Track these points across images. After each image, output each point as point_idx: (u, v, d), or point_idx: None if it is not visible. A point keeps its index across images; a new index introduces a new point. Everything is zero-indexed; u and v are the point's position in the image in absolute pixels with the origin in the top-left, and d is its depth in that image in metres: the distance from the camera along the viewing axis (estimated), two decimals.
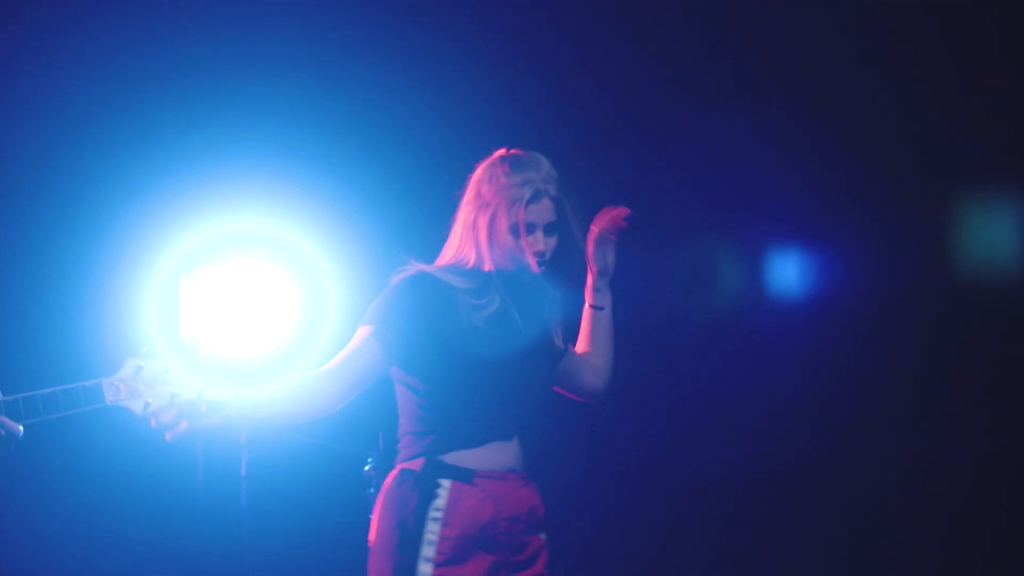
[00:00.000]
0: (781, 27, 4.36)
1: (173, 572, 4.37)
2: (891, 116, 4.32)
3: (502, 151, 3.00)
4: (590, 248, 3.15)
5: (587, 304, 3.22)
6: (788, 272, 4.53)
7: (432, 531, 2.83)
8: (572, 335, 3.20)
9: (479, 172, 2.99)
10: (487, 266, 2.95)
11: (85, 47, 4.16)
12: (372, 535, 2.94)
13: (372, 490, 3.97)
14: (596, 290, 3.19)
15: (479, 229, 2.94)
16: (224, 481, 4.27)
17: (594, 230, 3.17)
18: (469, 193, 2.99)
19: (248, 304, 3.90)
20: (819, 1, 4.30)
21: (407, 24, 4.41)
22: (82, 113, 4.15)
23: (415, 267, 2.96)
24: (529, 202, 2.91)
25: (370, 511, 3.89)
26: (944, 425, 4.30)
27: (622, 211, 3.18)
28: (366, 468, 3.99)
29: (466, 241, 2.97)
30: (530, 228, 2.92)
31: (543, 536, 3.01)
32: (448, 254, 3.00)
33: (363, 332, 2.89)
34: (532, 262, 2.92)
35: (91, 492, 4.22)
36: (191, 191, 4.13)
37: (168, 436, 2.66)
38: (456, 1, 4.44)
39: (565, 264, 3.01)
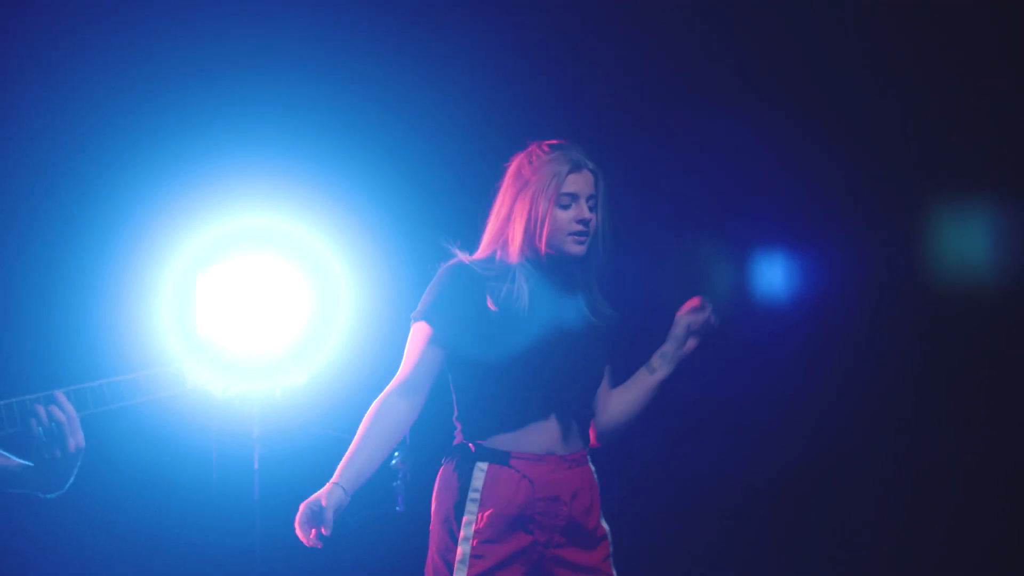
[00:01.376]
0: (778, 28, 4.36)
1: (186, 566, 4.39)
2: (888, 118, 4.32)
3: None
4: (680, 324, 3.21)
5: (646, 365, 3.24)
6: (782, 274, 4.54)
7: (471, 511, 2.95)
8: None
9: (517, 160, 3.09)
10: (519, 254, 3.02)
11: (98, 44, 4.17)
12: (431, 517, 3.06)
13: (398, 482, 4.00)
14: (661, 355, 3.22)
15: (518, 213, 3.03)
16: (237, 475, 4.29)
17: (689, 311, 3.21)
18: (507, 181, 3.08)
19: (262, 300, 3.93)
20: (816, 2, 4.31)
21: (417, 24, 4.43)
22: (99, 110, 4.16)
23: (456, 257, 3.06)
24: (570, 172, 3.01)
25: (396, 503, 3.94)
26: (939, 426, 4.30)
27: (707, 319, 3.21)
28: (392, 462, 4.02)
29: (503, 229, 3.06)
30: (573, 198, 3.01)
31: (604, 525, 3.07)
32: (485, 244, 3.09)
33: (419, 329, 3.04)
34: (572, 241, 3.00)
35: (104, 486, 4.23)
36: (208, 189, 4.15)
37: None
38: (462, 2, 4.46)
39: (595, 248, 3.07)
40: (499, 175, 3.17)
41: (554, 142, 3.08)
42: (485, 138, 4.25)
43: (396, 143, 4.46)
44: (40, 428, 2.54)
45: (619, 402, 3.21)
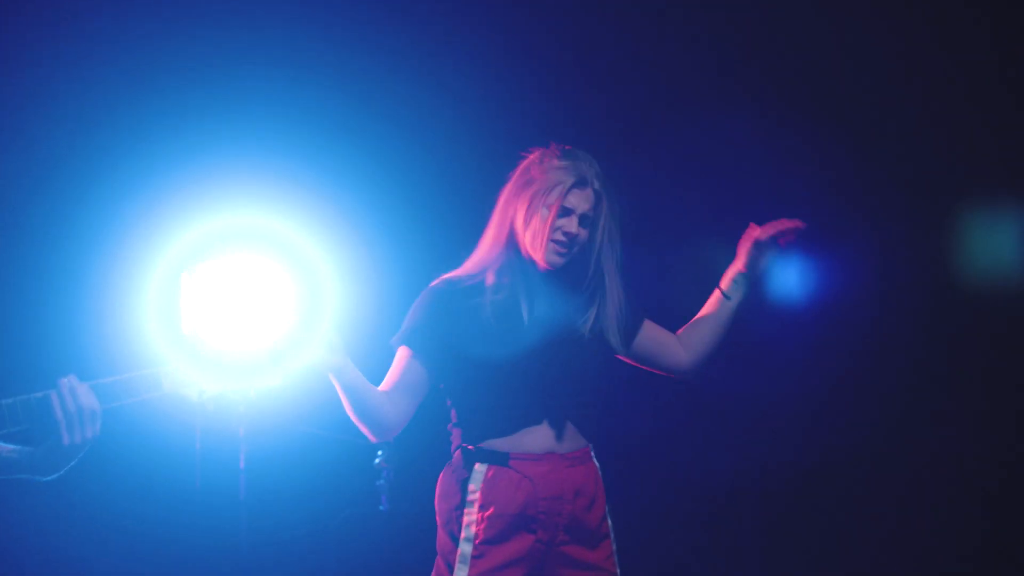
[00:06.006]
0: (794, 28, 4.36)
1: (172, 566, 4.39)
2: (901, 118, 4.32)
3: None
4: (747, 243, 3.23)
5: (719, 289, 3.27)
6: (794, 275, 4.54)
7: (471, 512, 2.96)
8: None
9: (530, 157, 3.09)
10: (506, 257, 3.03)
11: (84, 43, 4.17)
12: (437, 522, 3.07)
13: (382, 481, 4.00)
14: (733, 281, 3.26)
15: (517, 209, 3.03)
16: (223, 475, 4.29)
17: (759, 231, 3.22)
18: (516, 175, 3.08)
19: (248, 299, 3.92)
20: (819, 4, 4.31)
21: (407, 24, 4.43)
22: (84, 109, 4.16)
23: (440, 277, 3.08)
24: (573, 186, 3.01)
25: (379, 503, 3.94)
26: (942, 427, 4.31)
27: (796, 224, 3.22)
28: (376, 461, 4.01)
29: (501, 226, 3.06)
30: (566, 212, 3.00)
31: (609, 523, 3.08)
32: (484, 244, 3.09)
33: (401, 353, 3.05)
34: (552, 249, 3.00)
35: (89, 485, 4.22)
36: (193, 187, 4.14)
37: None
38: (458, 3, 4.46)
39: (577, 263, 3.06)
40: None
41: (569, 148, 3.08)
42: (475, 139, 4.25)
43: (384, 142, 4.46)
44: (62, 412, 2.56)
45: (700, 334, 3.24)
